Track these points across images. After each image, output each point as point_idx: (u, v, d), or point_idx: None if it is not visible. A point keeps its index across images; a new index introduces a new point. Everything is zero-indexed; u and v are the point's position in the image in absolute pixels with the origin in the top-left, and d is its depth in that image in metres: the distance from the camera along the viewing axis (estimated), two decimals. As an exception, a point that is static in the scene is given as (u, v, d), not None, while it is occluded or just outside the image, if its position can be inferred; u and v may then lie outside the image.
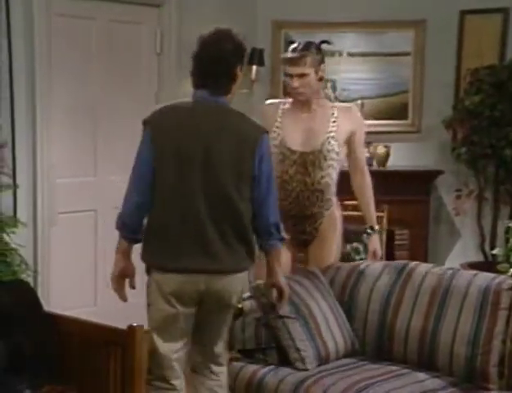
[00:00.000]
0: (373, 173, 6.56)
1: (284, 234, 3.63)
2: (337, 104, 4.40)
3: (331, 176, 4.32)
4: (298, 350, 3.86)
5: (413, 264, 4.25)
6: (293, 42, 4.32)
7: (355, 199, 5.99)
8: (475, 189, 6.42)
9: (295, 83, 4.20)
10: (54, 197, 5.59)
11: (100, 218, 5.89)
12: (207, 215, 3.39)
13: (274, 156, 3.93)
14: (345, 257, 6.04)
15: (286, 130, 4.26)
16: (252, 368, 3.91)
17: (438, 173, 6.62)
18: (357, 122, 4.40)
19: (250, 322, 4.03)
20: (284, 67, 4.32)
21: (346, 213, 6.12)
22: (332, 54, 6.77)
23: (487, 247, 6.35)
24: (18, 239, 4.86)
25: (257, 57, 6.54)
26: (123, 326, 3.59)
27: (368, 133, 6.85)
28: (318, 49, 4.34)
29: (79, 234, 5.80)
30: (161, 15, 6.18)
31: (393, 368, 3.90)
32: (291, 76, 4.21)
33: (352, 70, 6.87)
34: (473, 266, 5.68)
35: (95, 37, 5.83)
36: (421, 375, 3.82)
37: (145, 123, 3.53)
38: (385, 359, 4.01)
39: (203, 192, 3.39)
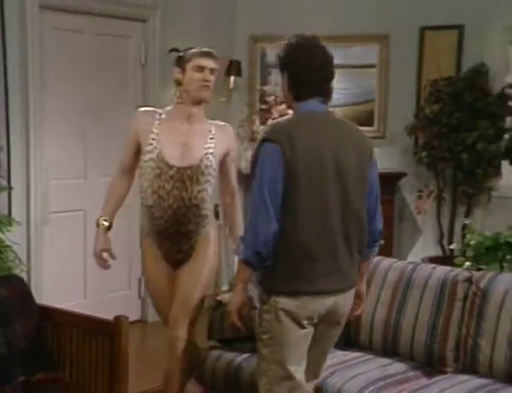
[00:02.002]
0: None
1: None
2: (213, 121, 3.86)
3: (207, 191, 3.80)
4: (272, 338, 3.85)
5: (377, 258, 4.24)
6: (176, 49, 4.00)
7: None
8: (435, 190, 6.44)
9: (208, 75, 3.71)
10: (46, 198, 5.60)
11: (89, 217, 5.83)
12: (340, 232, 3.01)
13: (149, 170, 3.70)
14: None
15: (164, 143, 3.69)
16: (230, 355, 3.91)
17: (402, 175, 6.63)
18: (232, 141, 3.94)
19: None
20: (192, 62, 3.69)
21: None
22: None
23: (445, 243, 6.37)
24: (12, 237, 4.86)
25: (235, 68, 6.57)
26: (110, 317, 3.58)
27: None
28: None
29: (70, 232, 5.79)
30: (146, 29, 6.17)
31: (360, 354, 3.92)
32: (203, 69, 3.70)
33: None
34: (432, 260, 5.70)
35: (84, 49, 5.82)
36: (385, 360, 3.85)
37: (272, 140, 2.94)
38: (352, 346, 4.03)
39: (338, 208, 2.99)
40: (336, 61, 6.79)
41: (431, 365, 3.79)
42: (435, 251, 6.41)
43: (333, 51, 6.64)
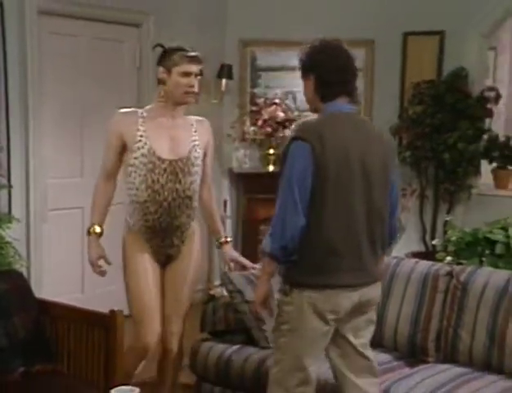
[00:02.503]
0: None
1: None
2: (192, 117, 3.78)
3: (197, 182, 3.75)
4: (262, 330, 3.87)
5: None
6: (161, 45, 3.73)
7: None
8: (418, 188, 6.46)
9: (193, 81, 3.61)
10: (45, 196, 5.59)
11: (86, 214, 5.75)
12: (364, 230, 2.98)
13: (142, 166, 3.59)
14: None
15: (152, 139, 3.60)
16: (221, 347, 3.92)
17: (386, 174, 6.64)
18: (210, 135, 3.84)
19: (220, 307, 4.04)
20: (179, 67, 3.58)
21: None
22: (292, 69, 6.79)
23: (428, 239, 6.40)
24: (12, 233, 4.85)
25: (226, 72, 6.57)
26: (105, 310, 3.58)
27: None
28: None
29: (68, 229, 5.76)
30: (140, 34, 6.16)
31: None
32: (189, 75, 3.60)
33: (311, 84, 6.87)
34: (415, 255, 5.71)
35: (81, 52, 5.80)
36: (370, 352, 3.86)
37: (302, 139, 2.91)
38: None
39: (363, 207, 2.96)
40: (324, 65, 6.92)
41: (414, 355, 3.81)
42: (418, 247, 6.43)
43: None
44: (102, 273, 3.79)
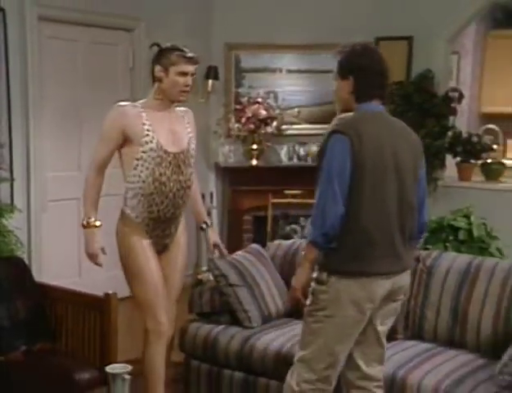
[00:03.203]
0: (308, 168, 6.67)
1: None
2: (178, 108, 3.62)
3: (194, 173, 3.66)
4: (245, 311, 3.86)
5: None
6: (158, 44, 3.59)
7: (294, 188, 6.08)
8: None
9: (189, 80, 3.47)
10: (44, 188, 5.58)
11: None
12: (396, 220, 2.89)
13: (150, 160, 3.41)
14: (285, 236, 6.12)
15: (157, 132, 3.44)
16: (208, 327, 3.92)
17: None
18: (194, 124, 3.70)
19: (206, 290, 4.05)
20: (176, 67, 3.44)
21: (287, 200, 6.23)
22: (274, 70, 6.83)
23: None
24: (14, 223, 4.85)
25: (212, 73, 6.56)
26: (101, 294, 3.58)
27: (304, 135, 6.98)
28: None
29: (66, 218, 5.75)
30: (133, 38, 6.15)
31: (322, 325, 3.94)
32: (186, 74, 3.46)
33: (291, 84, 6.88)
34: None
35: (78, 55, 5.79)
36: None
37: (342, 132, 2.83)
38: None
39: (395, 200, 2.88)
40: (304, 67, 7.00)
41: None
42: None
43: (300, 59, 6.85)
44: (101, 264, 3.57)
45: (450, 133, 6.25)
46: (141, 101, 3.57)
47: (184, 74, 3.46)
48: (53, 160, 5.66)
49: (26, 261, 4.43)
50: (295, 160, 6.76)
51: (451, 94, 6.21)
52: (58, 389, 3.24)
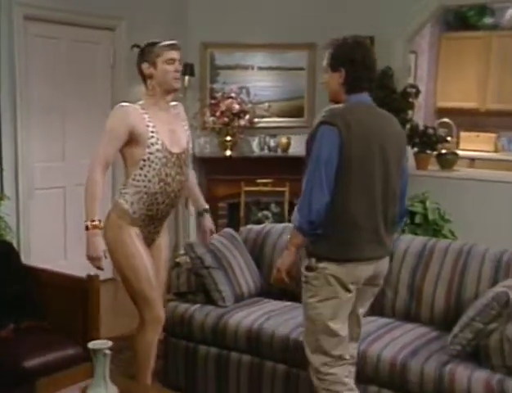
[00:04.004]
0: (278, 158, 6.70)
1: None
2: (172, 103, 3.43)
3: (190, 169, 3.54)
4: (219, 291, 3.86)
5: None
6: (137, 45, 3.43)
7: (265, 177, 6.09)
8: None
9: (178, 66, 3.32)
10: (32, 177, 5.54)
11: (67, 193, 5.88)
12: (380, 207, 2.85)
13: (157, 161, 3.25)
14: (257, 221, 6.13)
15: (161, 134, 3.27)
16: (184, 306, 3.91)
17: (325, 157, 6.66)
18: (186, 117, 3.55)
19: (183, 272, 4.03)
20: (163, 56, 3.28)
21: (259, 188, 6.24)
22: (246, 68, 6.81)
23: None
24: (4, 209, 4.84)
25: (189, 70, 6.53)
26: (84, 275, 3.56)
27: (274, 127, 6.98)
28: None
29: (52, 205, 5.76)
30: (114, 36, 6.09)
31: (289, 303, 3.93)
32: (174, 61, 3.30)
33: (262, 80, 6.86)
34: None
35: (62, 53, 5.74)
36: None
37: (330, 123, 2.76)
38: (285, 297, 4.01)
39: (380, 188, 2.84)
40: (273, 65, 6.98)
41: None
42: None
43: (270, 57, 6.84)
44: (102, 267, 3.28)
45: (408, 126, 6.28)
46: (139, 102, 3.34)
47: (171, 60, 3.30)
48: (39, 151, 5.62)
49: (15, 245, 4.40)
50: (266, 151, 6.76)
51: (409, 90, 6.24)
52: (43, 365, 3.22)
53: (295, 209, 2.83)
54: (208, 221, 3.71)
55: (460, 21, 8.43)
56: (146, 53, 3.34)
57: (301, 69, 6.81)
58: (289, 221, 5.80)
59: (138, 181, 3.28)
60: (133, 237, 3.34)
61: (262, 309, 3.79)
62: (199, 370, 3.79)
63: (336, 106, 2.89)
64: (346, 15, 6.44)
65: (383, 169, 2.83)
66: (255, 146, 6.79)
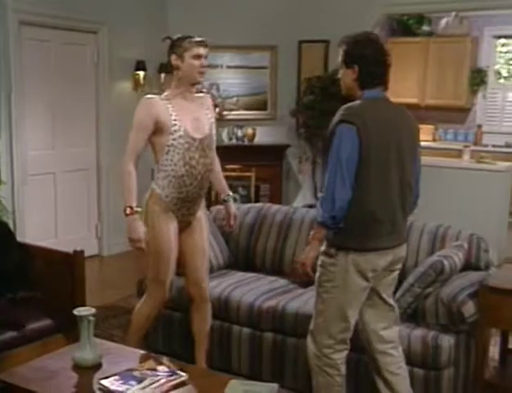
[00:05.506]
0: (245, 147, 6.68)
1: None
2: (197, 95, 3.31)
3: (215, 154, 3.42)
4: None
5: (267, 205, 4.28)
6: (169, 37, 3.27)
7: (234, 164, 6.07)
8: (310, 156, 6.51)
9: (204, 62, 3.18)
10: (25, 164, 5.47)
11: (57, 178, 5.83)
12: (398, 200, 2.68)
13: (180, 146, 3.14)
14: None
15: (183, 121, 3.15)
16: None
17: (287, 146, 6.67)
18: (213, 108, 3.44)
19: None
20: (190, 52, 3.15)
21: (227, 173, 6.20)
22: (216, 66, 6.75)
23: (318, 194, 6.47)
24: (1, 193, 4.75)
25: (165, 68, 6.45)
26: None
27: (241, 119, 6.95)
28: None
29: (43, 190, 5.69)
30: (97, 39, 6.01)
31: (254, 274, 3.94)
32: (200, 57, 3.16)
33: (230, 78, 6.82)
34: (309, 206, 5.77)
35: (52, 54, 5.67)
36: (272, 278, 3.87)
37: (349, 122, 2.56)
38: (250, 269, 4.04)
39: (397, 181, 2.66)
40: (240, 64, 6.93)
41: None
42: (311, 200, 6.50)
43: (238, 57, 6.79)
44: (144, 249, 3.15)
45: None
46: (164, 94, 3.23)
47: (198, 56, 3.16)
48: (32, 141, 5.54)
49: (11, 225, 4.34)
50: (234, 141, 6.73)
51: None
52: (36, 329, 3.18)
53: (317, 204, 2.67)
54: (232, 207, 3.54)
55: (403, 28, 8.55)
56: (176, 46, 3.19)
57: (264, 67, 6.77)
58: (256, 201, 5.83)
59: (165, 165, 3.17)
60: (166, 224, 3.21)
61: (231, 280, 3.77)
62: (175, 334, 3.77)
63: (352, 103, 2.67)
64: (304, 22, 6.42)
65: (398, 163, 2.66)
66: (224, 136, 6.75)
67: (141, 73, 6.31)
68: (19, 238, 3.95)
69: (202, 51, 3.18)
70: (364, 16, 6.09)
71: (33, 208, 5.54)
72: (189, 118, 3.19)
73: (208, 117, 3.31)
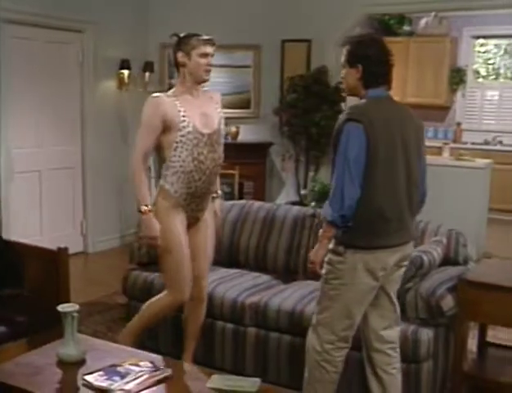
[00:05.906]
0: (228, 145, 6.61)
1: None
2: (206, 90, 3.27)
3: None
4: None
5: (250, 202, 4.27)
6: (176, 34, 3.23)
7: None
8: (293, 154, 6.51)
9: (210, 60, 3.15)
10: (12, 162, 5.42)
11: (43, 176, 5.78)
12: (405, 198, 2.64)
13: (189, 142, 3.09)
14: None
15: (191, 117, 3.09)
16: (145, 274, 3.88)
17: (271, 144, 6.65)
18: (221, 103, 3.37)
19: (144, 244, 3.95)
20: (197, 50, 3.11)
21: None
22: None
23: (301, 191, 6.48)
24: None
25: (149, 67, 6.45)
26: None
27: (224, 118, 6.91)
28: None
29: (29, 187, 5.64)
30: (82, 38, 5.96)
31: (238, 270, 3.94)
32: (207, 55, 3.12)
33: (214, 76, 6.53)
34: (292, 203, 5.77)
35: (38, 52, 5.61)
36: (256, 274, 3.88)
37: (356, 120, 2.53)
38: (234, 265, 4.04)
39: (404, 179, 2.62)
40: (223, 63, 6.93)
41: (288, 275, 3.85)
42: (294, 197, 6.50)
43: (221, 56, 6.77)
44: (160, 246, 3.15)
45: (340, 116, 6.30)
46: (170, 91, 3.19)
47: (205, 55, 3.12)
48: (18, 139, 5.49)
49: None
50: (218, 139, 6.72)
51: (340, 85, 6.25)
52: (22, 326, 3.16)
53: (326, 203, 2.61)
54: (217, 204, 3.48)
55: (384, 28, 8.59)
56: (183, 44, 3.15)
57: (248, 67, 6.75)
58: (240, 199, 5.83)
59: (174, 162, 3.12)
60: (175, 220, 3.16)
61: (214, 276, 3.74)
62: (158, 329, 3.75)
63: (358, 102, 2.66)
64: (287, 22, 6.41)
65: (405, 160, 2.63)
66: (209, 135, 6.74)
67: (126, 72, 6.28)
68: (4, 236, 3.92)
69: (209, 49, 3.14)
70: (345, 16, 6.11)
71: (19, 205, 5.49)
72: (197, 113, 3.15)
73: (217, 112, 3.25)
